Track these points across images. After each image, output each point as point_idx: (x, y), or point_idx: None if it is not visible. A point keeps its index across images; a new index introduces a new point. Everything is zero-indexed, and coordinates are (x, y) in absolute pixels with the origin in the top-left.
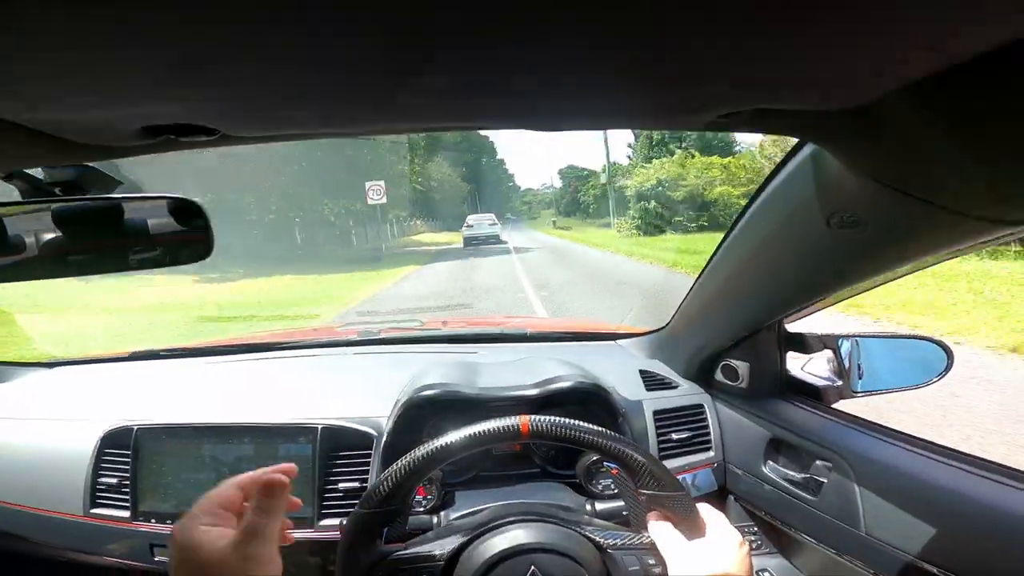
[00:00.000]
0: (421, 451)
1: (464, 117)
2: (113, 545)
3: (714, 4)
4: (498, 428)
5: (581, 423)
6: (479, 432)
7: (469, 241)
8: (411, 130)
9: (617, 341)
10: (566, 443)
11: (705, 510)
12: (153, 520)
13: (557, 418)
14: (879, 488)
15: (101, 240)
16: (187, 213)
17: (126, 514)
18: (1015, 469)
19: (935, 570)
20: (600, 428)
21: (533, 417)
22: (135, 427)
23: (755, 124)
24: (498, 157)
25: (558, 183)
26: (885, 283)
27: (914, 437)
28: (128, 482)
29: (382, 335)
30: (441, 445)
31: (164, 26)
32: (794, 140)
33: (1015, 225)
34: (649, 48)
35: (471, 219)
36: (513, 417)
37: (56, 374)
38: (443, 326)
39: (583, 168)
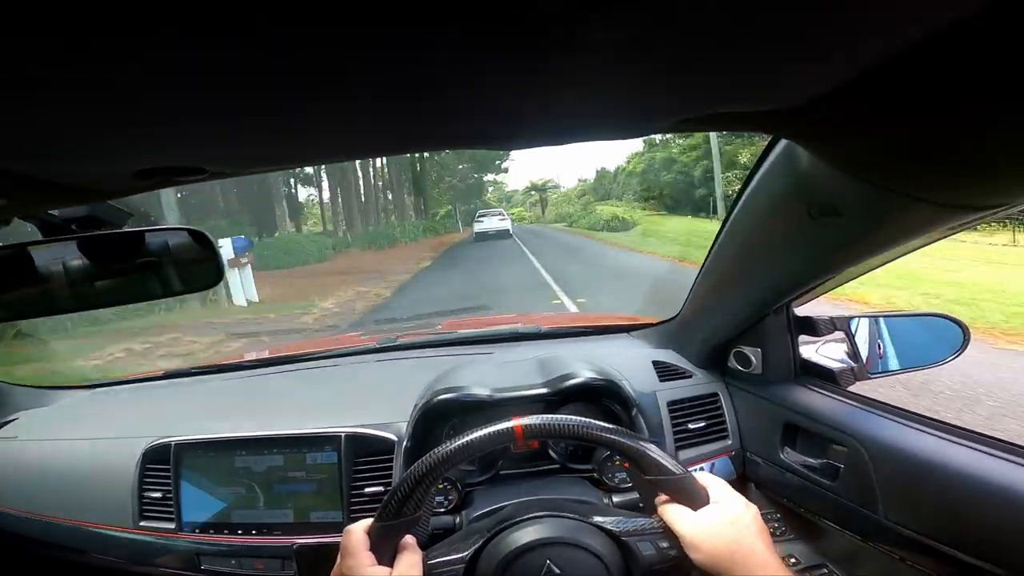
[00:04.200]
0: (423, 462)
1: (495, 131)
2: (163, 556)
3: (658, 21)
4: (493, 433)
5: (574, 418)
6: (474, 439)
7: (480, 236)
8: (388, 154)
9: (630, 333)
10: (563, 439)
11: (705, 478)
12: (197, 531)
13: (550, 416)
14: (895, 471)
15: (115, 273)
16: (198, 242)
17: (172, 526)
18: None
19: (955, 552)
20: (594, 421)
21: (526, 419)
22: (173, 443)
23: (715, 124)
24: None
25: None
26: (881, 265)
27: (930, 418)
28: (171, 496)
29: (400, 341)
30: (440, 456)
31: (158, 87)
32: None
33: (982, 210)
34: (608, 66)
35: (480, 214)
36: (507, 421)
37: (96, 395)
38: (459, 328)
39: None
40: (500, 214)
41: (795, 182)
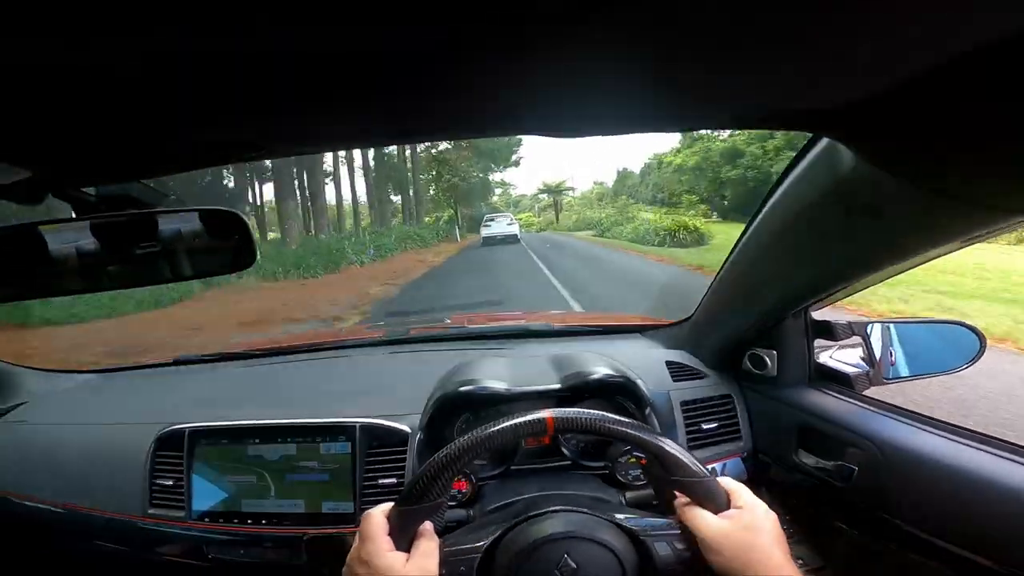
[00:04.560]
0: (452, 447)
1: (497, 125)
2: (169, 544)
3: (718, 16)
4: (525, 422)
5: (606, 414)
6: (506, 427)
7: (487, 241)
8: (436, 139)
9: (642, 333)
10: (592, 434)
11: (727, 483)
12: (206, 519)
13: (582, 411)
14: (911, 474)
15: (148, 253)
16: (230, 224)
17: (181, 514)
18: None
19: (969, 555)
20: (624, 418)
21: (558, 411)
22: (187, 429)
23: (767, 122)
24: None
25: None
26: (909, 269)
27: (946, 423)
28: (182, 483)
29: (412, 334)
30: (471, 441)
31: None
32: None
33: None
34: (663, 58)
35: (488, 218)
36: (539, 412)
37: (105, 380)
38: (468, 323)
39: None
40: (508, 218)
41: (835, 182)
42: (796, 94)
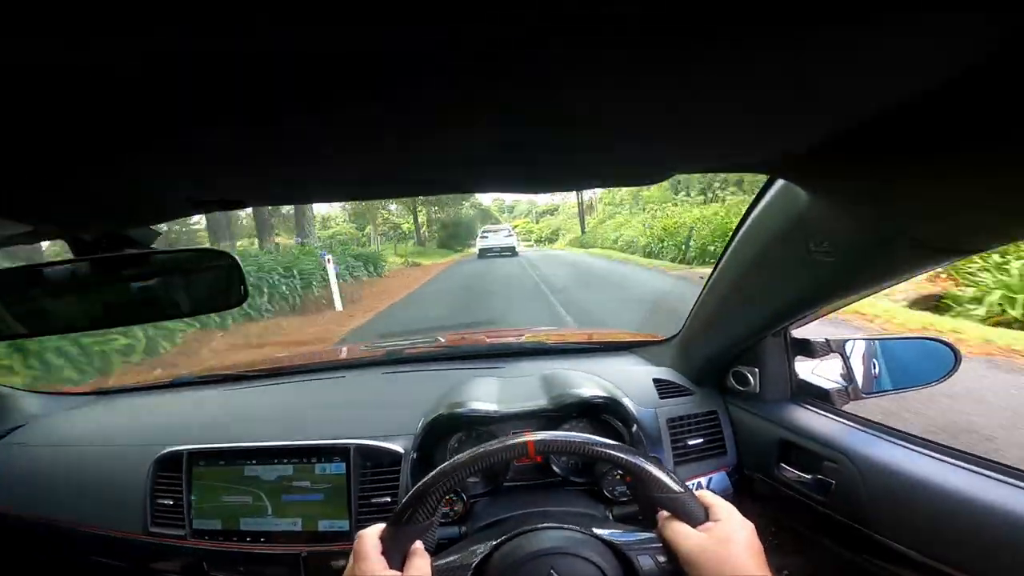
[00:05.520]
0: (437, 473)
1: (459, 184)
2: (170, 562)
3: (660, 69)
4: (506, 446)
5: (585, 436)
6: (488, 451)
7: (483, 253)
8: (406, 195)
9: (632, 350)
10: (569, 455)
11: (705, 496)
12: (206, 537)
13: (561, 433)
14: (884, 487)
15: (144, 292)
16: (223, 263)
17: (182, 532)
18: None
19: (941, 567)
20: (602, 438)
21: (538, 434)
22: (185, 452)
23: (717, 167)
24: None
25: None
26: (882, 291)
27: (919, 437)
28: (182, 503)
29: (407, 353)
30: (453, 467)
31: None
32: None
33: (969, 252)
34: (620, 113)
35: (485, 230)
36: (521, 436)
37: (104, 402)
38: (462, 341)
39: None
40: (506, 230)
41: (793, 219)
42: (745, 143)
